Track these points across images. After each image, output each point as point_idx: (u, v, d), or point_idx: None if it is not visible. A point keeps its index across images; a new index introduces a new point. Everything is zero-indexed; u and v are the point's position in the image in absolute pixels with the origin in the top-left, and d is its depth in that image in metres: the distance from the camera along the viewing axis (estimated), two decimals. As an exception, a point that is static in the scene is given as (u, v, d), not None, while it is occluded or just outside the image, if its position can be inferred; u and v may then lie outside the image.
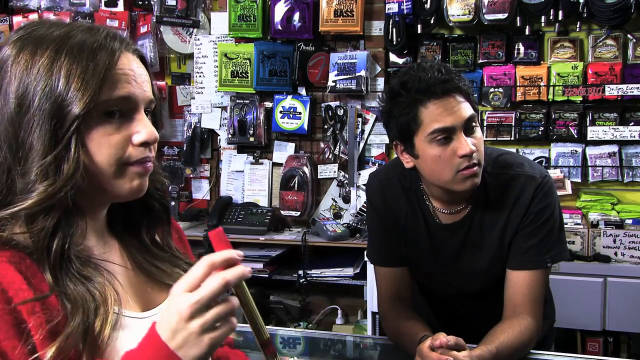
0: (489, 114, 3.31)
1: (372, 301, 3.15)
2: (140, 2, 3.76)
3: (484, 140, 1.66)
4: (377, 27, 3.45)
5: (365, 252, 2.97)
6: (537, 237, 1.62)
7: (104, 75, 0.95)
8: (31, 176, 0.93)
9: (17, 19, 3.87)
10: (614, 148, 3.17)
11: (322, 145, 3.59)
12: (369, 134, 3.51)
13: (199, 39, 3.70)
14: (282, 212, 3.56)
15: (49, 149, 0.93)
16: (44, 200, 0.93)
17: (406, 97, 1.54)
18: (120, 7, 3.75)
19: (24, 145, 0.94)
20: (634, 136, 3.11)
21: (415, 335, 1.57)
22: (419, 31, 3.34)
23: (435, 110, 1.51)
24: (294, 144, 3.63)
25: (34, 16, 3.84)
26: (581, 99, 3.17)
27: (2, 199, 0.96)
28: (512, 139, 3.29)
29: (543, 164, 3.19)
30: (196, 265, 0.86)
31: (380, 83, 3.48)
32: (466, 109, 1.52)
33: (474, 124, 1.54)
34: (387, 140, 3.45)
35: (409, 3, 3.27)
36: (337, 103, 3.52)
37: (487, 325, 1.61)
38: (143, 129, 1.00)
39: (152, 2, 3.64)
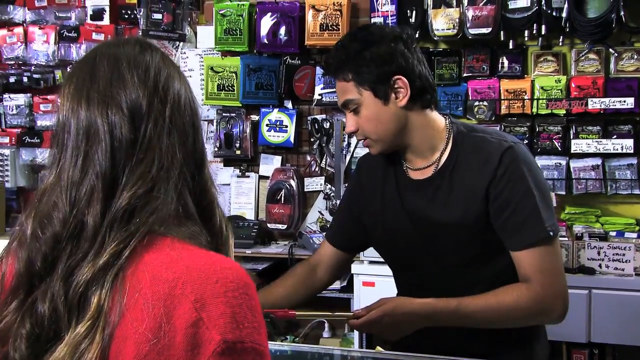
0: (474, 127, 3.33)
1: (358, 314, 3.14)
2: (126, 16, 3.77)
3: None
4: (363, 41, 3.47)
5: (351, 266, 3.01)
6: (527, 208, 1.53)
7: None
8: (207, 186, 0.90)
9: (2, 32, 3.85)
10: (598, 161, 3.19)
11: (308, 158, 3.60)
12: (355, 147, 3.51)
13: (185, 53, 3.71)
14: (268, 225, 3.56)
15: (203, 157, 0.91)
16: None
17: None
18: (106, 21, 3.75)
19: (197, 152, 0.89)
20: (617, 149, 3.14)
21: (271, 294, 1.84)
22: (404, 45, 3.36)
23: None
24: (280, 157, 3.64)
25: (19, 30, 3.83)
26: (565, 112, 3.20)
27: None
28: (497, 151, 3.30)
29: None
30: None
31: (366, 96, 3.49)
32: (343, 92, 1.60)
33: (351, 106, 1.60)
34: (373, 153, 3.46)
35: (394, 17, 3.30)
36: (323, 116, 3.53)
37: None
38: None
39: (138, 16, 3.64)
